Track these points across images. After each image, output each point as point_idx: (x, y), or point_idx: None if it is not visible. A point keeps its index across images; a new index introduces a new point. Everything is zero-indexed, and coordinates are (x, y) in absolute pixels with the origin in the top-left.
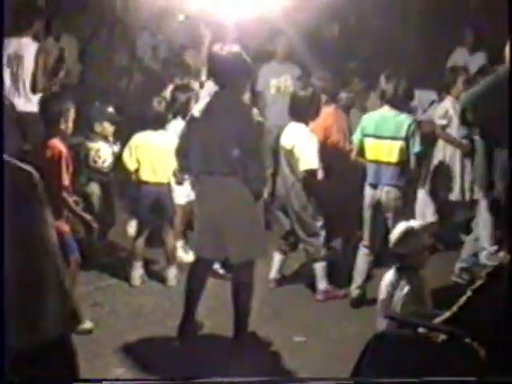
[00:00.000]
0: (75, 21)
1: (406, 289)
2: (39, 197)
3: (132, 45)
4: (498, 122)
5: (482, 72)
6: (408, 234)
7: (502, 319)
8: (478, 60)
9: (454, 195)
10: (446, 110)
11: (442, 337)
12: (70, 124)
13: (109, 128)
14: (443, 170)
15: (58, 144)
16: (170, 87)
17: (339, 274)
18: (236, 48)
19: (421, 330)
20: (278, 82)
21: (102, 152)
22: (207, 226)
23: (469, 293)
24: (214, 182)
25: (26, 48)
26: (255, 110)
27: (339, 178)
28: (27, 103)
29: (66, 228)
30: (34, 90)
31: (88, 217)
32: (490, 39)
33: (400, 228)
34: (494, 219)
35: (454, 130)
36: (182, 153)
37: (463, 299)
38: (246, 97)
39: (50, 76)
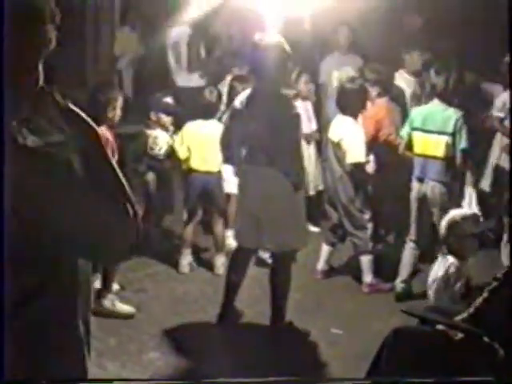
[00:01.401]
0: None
1: (441, 272)
2: None
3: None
4: None
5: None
6: (450, 221)
7: None
8: None
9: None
10: (503, 103)
11: (460, 335)
12: (118, 112)
13: (164, 118)
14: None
15: (104, 132)
16: (229, 77)
17: (389, 268)
18: (276, 37)
19: (440, 326)
20: (340, 73)
21: (160, 139)
22: (248, 216)
23: (485, 294)
24: (254, 173)
25: (182, 35)
26: (294, 102)
27: (391, 171)
28: (186, 80)
29: None
30: (189, 69)
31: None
32: None
33: (448, 215)
34: None
35: None
36: (225, 144)
37: (479, 300)
38: (309, 88)
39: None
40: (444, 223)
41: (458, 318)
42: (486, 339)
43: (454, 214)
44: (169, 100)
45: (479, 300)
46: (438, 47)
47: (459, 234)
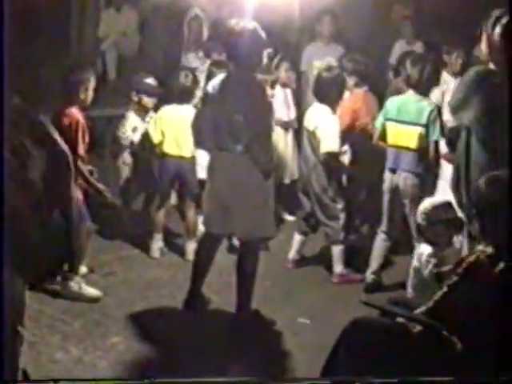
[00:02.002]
0: None
1: (415, 262)
2: None
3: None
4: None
5: None
6: (422, 209)
7: (478, 315)
8: None
9: None
10: None
11: (419, 328)
12: (90, 93)
13: (145, 99)
14: None
15: (75, 113)
16: (208, 62)
17: (362, 259)
18: (251, 24)
19: (399, 319)
20: (321, 63)
21: (130, 122)
22: (216, 202)
23: (445, 288)
24: (223, 159)
25: (186, 17)
26: (267, 90)
27: (367, 162)
28: (193, 60)
29: (78, 196)
30: (186, 49)
31: (102, 186)
32: None
33: (421, 204)
34: None
35: None
36: (196, 128)
37: (439, 294)
38: (289, 76)
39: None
40: (418, 212)
41: (418, 311)
42: (444, 333)
43: (426, 202)
44: (150, 81)
45: (439, 294)
46: (428, 38)
47: (431, 222)
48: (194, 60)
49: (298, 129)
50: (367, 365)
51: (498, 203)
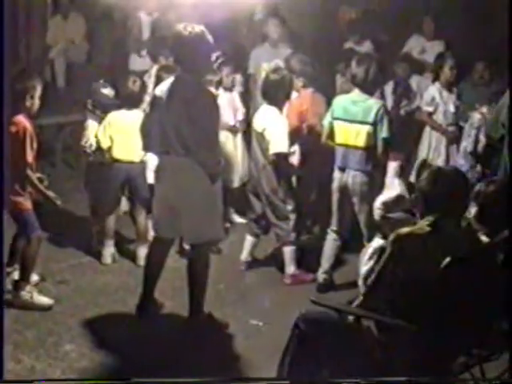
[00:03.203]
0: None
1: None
2: None
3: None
4: None
5: (439, 59)
6: (379, 203)
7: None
8: (437, 47)
9: None
10: (432, 97)
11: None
12: (37, 101)
13: (99, 114)
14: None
15: (22, 120)
16: (155, 67)
17: (314, 259)
18: (199, 28)
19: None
20: (269, 65)
21: (88, 130)
22: (164, 206)
23: (377, 267)
24: (170, 162)
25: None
26: (214, 93)
27: (317, 162)
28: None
29: (28, 205)
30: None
31: (51, 194)
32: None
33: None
34: None
35: (441, 117)
36: (144, 132)
37: (372, 277)
38: (231, 79)
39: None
40: (374, 208)
41: (358, 301)
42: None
43: (380, 197)
44: (108, 91)
45: (372, 277)
46: (375, 38)
47: (385, 217)
48: (138, 61)
49: (246, 131)
50: (318, 357)
51: (433, 194)
